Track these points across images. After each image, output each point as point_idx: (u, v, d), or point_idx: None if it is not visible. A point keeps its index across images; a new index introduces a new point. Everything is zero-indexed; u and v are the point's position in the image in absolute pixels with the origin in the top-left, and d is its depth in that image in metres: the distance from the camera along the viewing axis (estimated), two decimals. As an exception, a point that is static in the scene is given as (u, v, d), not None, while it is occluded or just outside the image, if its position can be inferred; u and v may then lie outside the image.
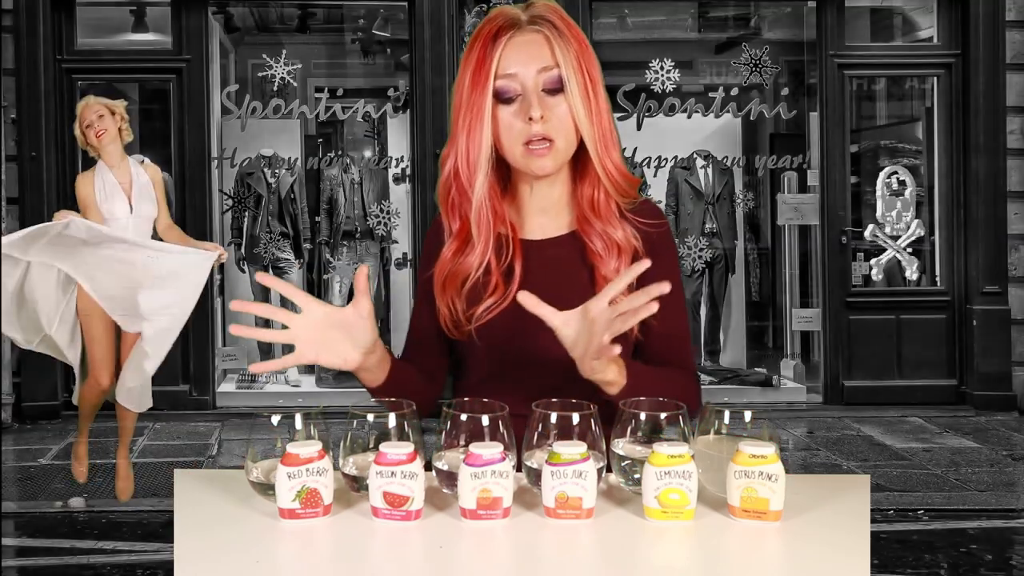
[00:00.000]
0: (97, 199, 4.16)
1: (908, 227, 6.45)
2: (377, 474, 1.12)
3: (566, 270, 1.44)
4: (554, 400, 1.22)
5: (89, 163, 4.44)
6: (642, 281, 1.41)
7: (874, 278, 6.41)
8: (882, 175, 6.51)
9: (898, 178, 6.54)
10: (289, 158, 6.54)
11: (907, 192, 6.50)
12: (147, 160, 4.79)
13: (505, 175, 1.47)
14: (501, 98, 1.38)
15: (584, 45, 1.40)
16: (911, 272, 6.42)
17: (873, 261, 6.40)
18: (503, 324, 1.41)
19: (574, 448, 1.13)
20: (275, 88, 6.36)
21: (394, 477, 1.12)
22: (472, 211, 1.41)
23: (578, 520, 1.13)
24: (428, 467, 1.21)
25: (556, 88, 1.37)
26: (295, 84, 6.35)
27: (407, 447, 1.13)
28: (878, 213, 6.46)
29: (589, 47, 1.41)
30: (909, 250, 6.45)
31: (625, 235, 1.43)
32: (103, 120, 4.20)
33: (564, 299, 1.40)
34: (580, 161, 1.45)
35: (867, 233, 6.38)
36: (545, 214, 1.47)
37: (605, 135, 1.41)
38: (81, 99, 4.36)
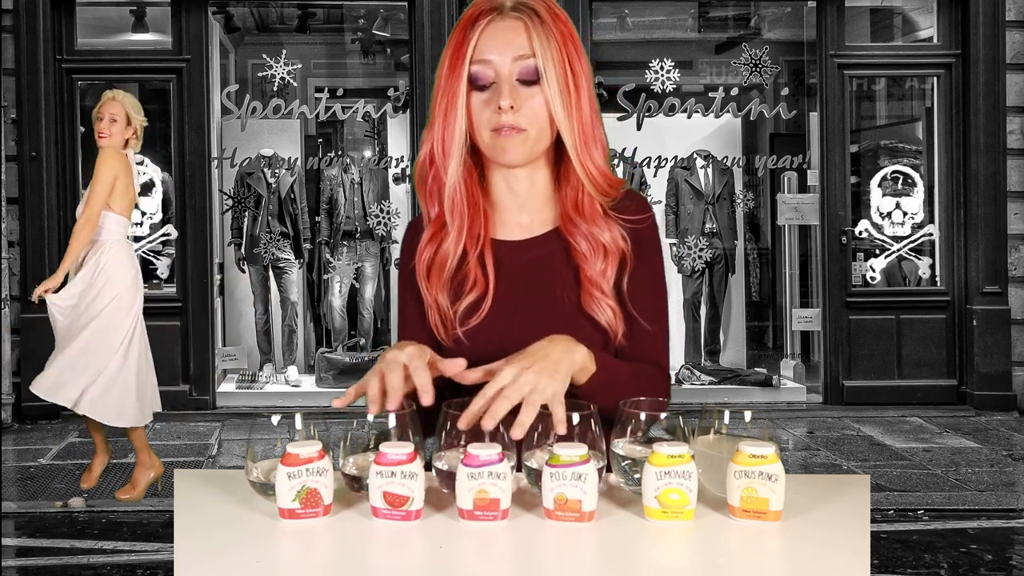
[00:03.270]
0: None
1: (909, 227, 6.46)
2: (377, 474, 1.12)
3: (551, 270, 1.41)
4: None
5: (89, 158, 4.44)
6: (628, 285, 1.40)
7: (876, 277, 6.42)
8: (879, 175, 6.51)
9: (902, 179, 6.54)
10: (289, 158, 6.54)
11: (908, 192, 6.50)
12: (139, 157, 4.81)
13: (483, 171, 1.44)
14: (475, 84, 1.35)
15: (570, 38, 1.35)
16: (921, 270, 6.41)
17: (874, 261, 6.40)
18: (491, 329, 1.38)
19: (574, 450, 1.12)
20: (275, 88, 6.36)
21: (394, 477, 1.12)
22: (446, 196, 1.39)
23: (578, 523, 1.12)
24: (428, 467, 1.21)
25: (532, 79, 1.33)
26: (295, 84, 6.35)
27: (407, 447, 1.13)
28: (875, 212, 6.46)
29: (577, 42, 1.36)
30: (910, 249, 6.46)
31: (612, 236, 1.39)
32: (114, 124, 4.19)
33: (552, 299, 1.40)
34: (563, 161, 1.41)
35: (862, 231, 6.38)
36: (525, 212, 1.44)
37: (586, 133, 1.36)
38: (111, 91, 4.34)
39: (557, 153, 1.42)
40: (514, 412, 1.20)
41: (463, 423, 1.17)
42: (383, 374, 1.21)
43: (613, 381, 1.31)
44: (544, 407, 1.18)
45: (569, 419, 1.19)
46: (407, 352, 1.23)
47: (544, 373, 1.19)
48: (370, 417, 1.22)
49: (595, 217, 1.40)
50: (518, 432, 1.15)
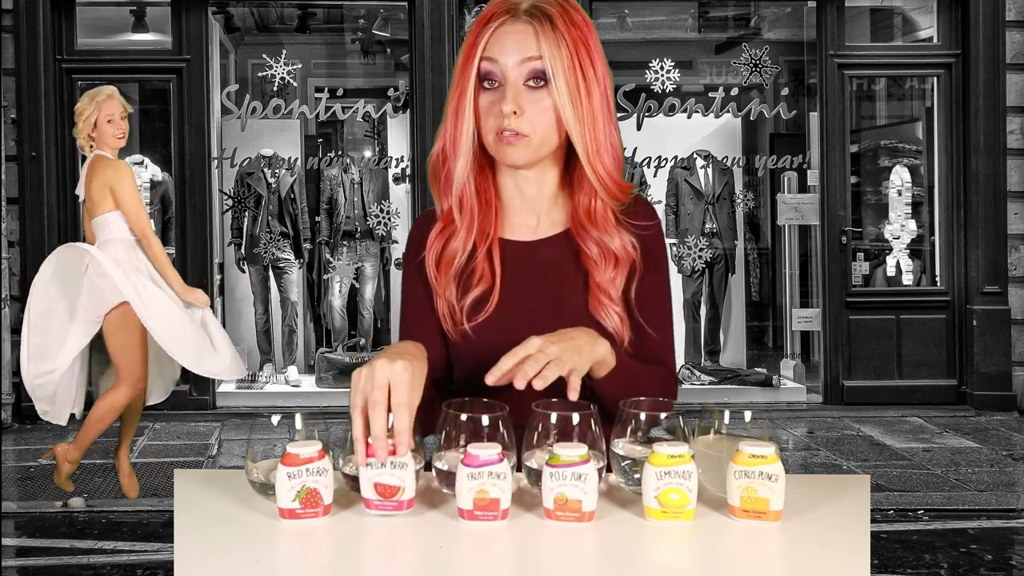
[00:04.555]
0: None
1: (910, 228, 6.46)
2: (367, 465, 1.12)
3: (559, 272, 1.42)
4: (554, 400, 1.21)
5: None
6: (637, 293, 1.42)
7: (889, 274, 6.42)
8: (892, 174, 6.52)
9: (901, 177, 6.54)
10: (289, 158, 6.54)
11: (908, 192, 6.51)
12: (139, 157, 4.76)
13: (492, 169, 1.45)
14: (484, 83, 1.36)
15: (582, 43, 1.34)
16: (910, 273, 6.42)
17: (889, 259, 6.41)
18: (498, 326, 1.39)
19: (574, 450, 1.13)
20: (275, 88, 6.36)
21: (384, 468, 1.12)
22: (453, 194, 1.41)
23: (578, 523, 1.12)
24: (428, 467, 1.21)
25: (539, 82, 1.33)
26: (295, 84, 6.36)
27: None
28: (879, 213, 6.47)
29: (592, 48, 1.35)
30: (908, 250, 6.46)
31: (622, 244, 1.40)
32: (124, 121, 4.16)
33: (559, 300, 1.41)
34: (575, 167, 1.41)
35: (867, 233, 6.39)
36: (533, 214, 1.45)
37: (598, 138, 1.35)
38: (96, 88, 4.20)
39: (568, 157, 1.43)
40: (523, 405, 1.21)
41: (491, 378, 1.19)
42: (365, 411, 1.12)
43: (629, 378, 1.33)
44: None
45: (569, 418, 1.19)
46: (396, 374, 1.13)
47: (568, 349, 1.22)
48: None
49: (607, 225, 1.41)
50: (540, 383, 1.18)
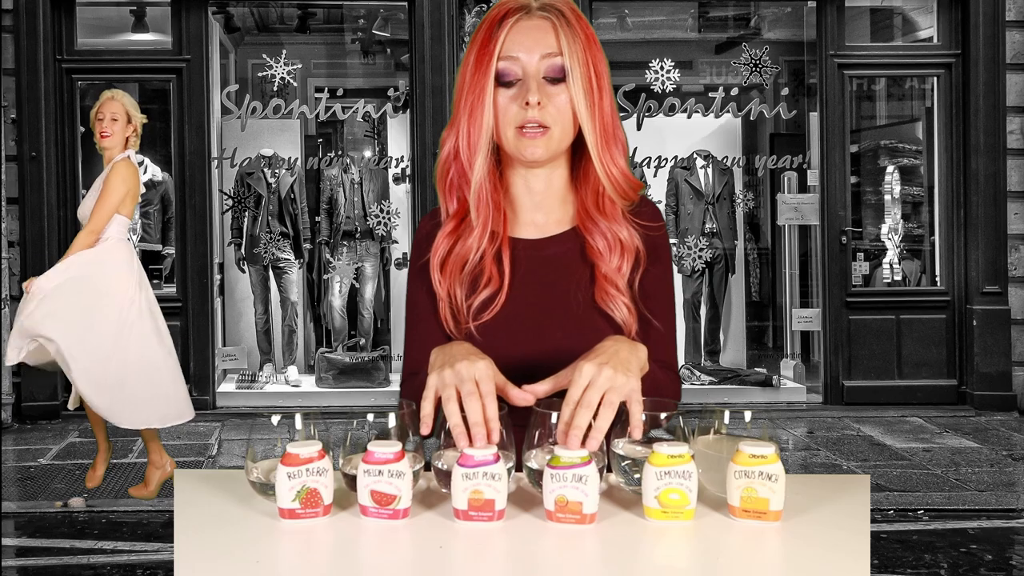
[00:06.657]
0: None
1: (909, 227, 6.47)
2: (365, 472, 1.12)
3: (566, 268, 1.42)
4: (555, 399, 1.21)
5: (89, 158, 4.46)
6: (641, 286, 1.42)
7: (884, 275, 6.42)
8: (886, 174, 6.52)
9: (895, 178, 6.55)
10: (289, 158, 6.54)
11: (907, 192, 6.51)
12: (139, 157, 4.80)
13: (500, 169, 1.45)
14: (501, 81, 1.36)
15: (592, 40, 1.37)
16: (912, 272, 6.42)
17: (885, 261, 6.40)
18: (504, 325, 1.39)
19: (575, 451, 1.13)
20: (275, 88, 6.36)
21: (381, 476, 1.12)
22: (471, 192, 1.40)
23: (578, 525, 1.12)
24: (428, 467, 1.21)
25: (558, 77, 1.35)
26: (295, 84, 6.36)
27: (395, 446, 1.13)
28: (879, 213, 6.48)
29: (598, 43, 1.38)
30: (909, 250, 6.47)
31: (629, 234, 1.41)
32: (115, 124, 4.22)
33: (566, 296, 1.41)
34: (582, 162, 1.42)
35: (865, 233, 6.40)
36: (541, 211, 1.45)
37: (607, 132, 1.38)
38: (109, 91, 4.36)
39: (575, 154, 1.44)
40: (522, 427, 1.21)
41: (561, 436, 1.16)
42: (459, 396, 1.17)
43: (652, 379, 1.32)
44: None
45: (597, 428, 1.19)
46: (480, 370, 1.20)
47: (620, 370, 1.19)
48: (370, 417, 1.22)
49: (615, 214, 1.42)
50: (594, 443, 1.15)
